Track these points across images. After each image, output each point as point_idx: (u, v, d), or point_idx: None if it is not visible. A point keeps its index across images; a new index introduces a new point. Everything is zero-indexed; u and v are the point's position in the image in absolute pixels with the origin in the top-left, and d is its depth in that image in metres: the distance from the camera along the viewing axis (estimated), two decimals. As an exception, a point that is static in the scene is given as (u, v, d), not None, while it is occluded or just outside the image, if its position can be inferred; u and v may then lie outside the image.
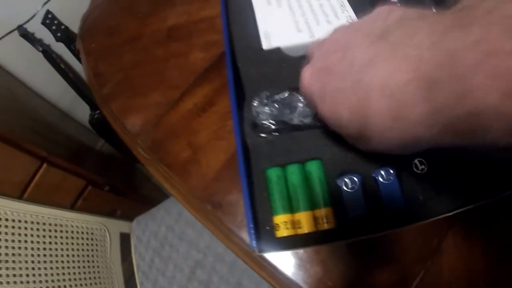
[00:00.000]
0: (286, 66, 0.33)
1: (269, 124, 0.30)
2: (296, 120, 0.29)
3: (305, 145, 0.29)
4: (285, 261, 0.33)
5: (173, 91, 0.45)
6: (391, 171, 0.28)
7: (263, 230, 0.27)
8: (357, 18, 0.35)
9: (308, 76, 0.25)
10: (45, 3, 0.79)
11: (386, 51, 0.20)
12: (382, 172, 0.28)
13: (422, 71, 0.18)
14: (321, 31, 0.34)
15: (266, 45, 0.33)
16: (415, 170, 0.28)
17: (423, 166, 0.28)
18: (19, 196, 0.61)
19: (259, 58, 0.33)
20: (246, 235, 0.34)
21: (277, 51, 0.33)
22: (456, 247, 0.32)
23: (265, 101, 0.30)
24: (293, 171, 0.28)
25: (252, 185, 0.28)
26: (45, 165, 0.62)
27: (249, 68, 0.33)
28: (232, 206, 0.35)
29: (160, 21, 0.54)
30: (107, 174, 0.83)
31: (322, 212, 0.27)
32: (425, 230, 0.33)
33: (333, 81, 0.23)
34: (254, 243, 0.25)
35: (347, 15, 0.35)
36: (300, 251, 0.33)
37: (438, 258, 0.32)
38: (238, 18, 0.38)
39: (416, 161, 0.28)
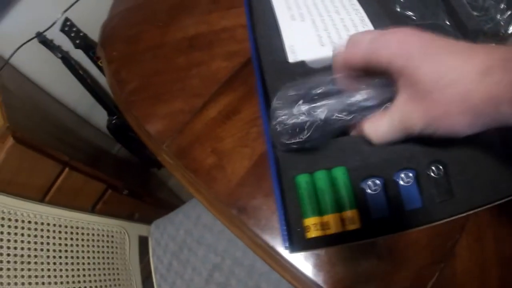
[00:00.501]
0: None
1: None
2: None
3: (330, 153, 0.31)
4: (306, 263, 0.35)
5: (196, 99, 0.47)
6: (411, 174, 0.30)
7: (294, 232, 0.29)
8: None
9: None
10: (64, 11, 0.82)
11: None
12: (403, 175, 0.30)
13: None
14: (344, 45, 0.36)
15: (292, 58, 0.36)
16: (432, 174, 0.30)
17: (439, 171, 0.30)
18: (41, 199, 0.64)
19: (285, 70, 0.36)
20: (270, 238, 0.37)
21: (301, 64, 0.36)
22: (469, 249, 0.35)
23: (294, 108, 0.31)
24: (320, 177, 0.30)
25: (283, 191, 0.30)
26: (66, 169, 0.65)
27: (275, 81, 0.35)
28: (256, 210, 0.38)
29: (181, 30, 0.57)
30: (123, 178, 0.86)
31: (348, 214, 0.29)
32: (439, 233, 0.35)
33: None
34: (286, 244, 0.27)
35: (367, 29, 0.38)
36: (322, 253, 0.35)
37: (452, 260, 0.35)
38: (263, 32, 0.41)
39: (433, 166, 0.31)
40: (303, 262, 0.35)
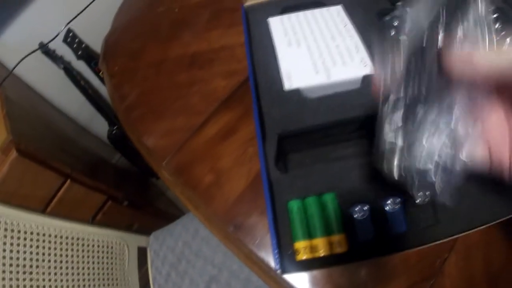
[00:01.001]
0: (305, 107, 0.37)
1: None
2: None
3: (321, 180, 0.34)
4: (301, 281, 0.37)
5: (197, 117, 0.49)
6: (397, 201, 0.32)
7: (285, 254, 0.31)
8: (370, 58, 0.39)
9: None
10: (68, 23, 0.84)
11: None
12: (389, 202, 0.32)
13: None
14: (337, 72, 0.38)
15: (287, 85, 0.38)
16: (418, 201, 0.32)
17: (425, 198, 0.32)
18: (43, 210, 0.66)
19: (280, 98, 0.38)
20: (265, 255, 0.39)
21: (296, 92, 0.38)
22: (457, 267, 0.37)
23: None
24: (311, 202, 0.32)
25: (276, 215, 0.32)
26: (68, 181, 0.67)
27: (271, 109, 0.37)
28: (252, 228, 0.40)
29: (182, 47, 0.59)
30: (123, 187, 0.87)
31: (336, 237, 0.31)
32: (428, 252, 0.37)
33: None
34: (278, 266, 0.29)
35: (361, 56, 0.40)
36: (315, 272, 0.37)
37: (441, 277, 0.36)
38: (261, 57, 0.43)
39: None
40: (298, 279, 0.37)
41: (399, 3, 0.48)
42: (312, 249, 0.31)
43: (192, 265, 0.66)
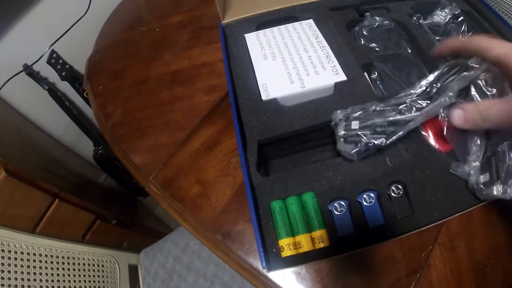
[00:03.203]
0: (282, 115, 0.40)
1: None
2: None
3: (300, 180, 0.37)
4: (289, 281, 0.39)
5: (180, 132, 0.51)
6: (372, 195, 0.35)
7: (270, 252, 0.34)
8: (340, 66, 0.43)
9: None
10: (51, 45, 0.86)
11: None
12: (365, 197, 0.35)
13: None
14: (310, 81, 0.41)
15: (264, 96, 0.41)
16: (393, 194, 0.36)
17: (399, 191, 0.35)
18: (32, 230, 0.66)
19: (258, 108, 0.41)
20: (254, 261, 0.40)
21: (273, 101, 0.41)
22: (443, 259, 0.39)
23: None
24: (292, 202, 0.35)
25: (259, 216, 0.34)
26: (57, 200, 0.68)
27: (250, 118, 0.40)
28: (240, 235, 0.42)
29: (163, 65, 0.62)
30: (110, 207, 0.88)
31: (318, 233, 0.34)
32: (412, 246, 0.39)
33: None
34: (264, 264, 0.31)
35: (332, 65, 0.43)
36: (303, 271, 0.39)
37: (427, 270, 0.38)
38: (239, 71, 0.46)
39: (393, 186, 0.36)
40: (286, 281, 0.39)
41: (367, 14, 0.52)
42: (296, 245, 0.33)
43: (184, 279, 0.67)
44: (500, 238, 0.39)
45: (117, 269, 0.77)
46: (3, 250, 0.57)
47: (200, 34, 0.65)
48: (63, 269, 0.66)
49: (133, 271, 0.81)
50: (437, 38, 0.51)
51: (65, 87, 0.93)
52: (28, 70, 0.84)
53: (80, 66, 0.94)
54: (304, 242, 0.33)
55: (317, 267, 0.39)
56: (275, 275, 0.39)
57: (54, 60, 0.88)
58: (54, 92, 0.88)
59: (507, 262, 0.38)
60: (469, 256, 0.38)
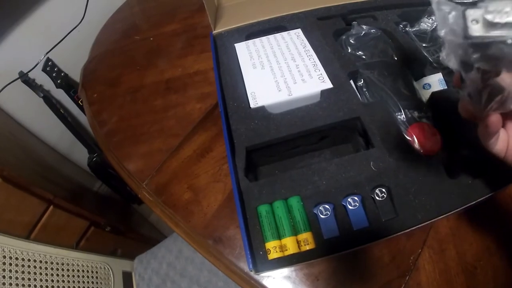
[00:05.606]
0: (269, 122, 0.42)
1: None
2: None
3: (286, 184, 0.38)
4: (280, 285, 0.40)
5: (173, 139, 0.53)
6: (357, 199, 0.37)
7: (257, 255, 0.35)
8: (327, 74, 0.44)
9: None
10: (47, 53, 0.88)
11: None
12: (350, 200, 0.37)
13: None
14: (298, 89, 0.43)
15: (253, 104, 0.43)
16: (377, 197, 0.37)
17: (383, 194, 0.37)
18: (27, 236, 0.67)
19: (247, 116, 0.43)
20: (245, 265, 0.42)
21: (262, 109, 0.43)
22: (432, 261, 0.40)
23: None
24: (278, 206, 0.37)
25: (247, 220, 0.36)
26: (51, 207, 0.70)
27: (239, 125, 0.42)
28: (231, 240, 0.43)
29: (158, 74, 0.64)
30: (105, 214, 0.90)
31: (303, 236, 0.35)
32: (401, 249, 0.41)
33: None
34: (251, 266, 0.33)
35: (319, 73, 0.45)
36: (293, 275, 0.40)
37: (416, 273, 0.39)
38: (229, 80, 0.48)
39: (377, 190, 0.37)
40: (276, 285, 0.40)
41: (354, 23, 0.54)
42: (282, 248, 0.35)
43: (178, 285, 0.68)
44: (490, 239, 0.40)
45: (111, 275, 0.78)
46: (-3, 256, 0.58)
47: (194, 43, 0.67)
48: (58, 275, 0.67)
49: (127, 277, 0.82)
50: (423, 45, 0.53)
51: (60, 95, 0.95)
52: (24, 78, 0.86)
53: (75, 74, 0.96)
54: (290, 245, 0.35)
55: (307, 271, 0.40)
56: (265, 279, 0.40)
57: (50, 67, 0.89)
58: (49, 100, 0.89)
59: (497, 262, 0.39)
60: (459, 258, 0.40)
